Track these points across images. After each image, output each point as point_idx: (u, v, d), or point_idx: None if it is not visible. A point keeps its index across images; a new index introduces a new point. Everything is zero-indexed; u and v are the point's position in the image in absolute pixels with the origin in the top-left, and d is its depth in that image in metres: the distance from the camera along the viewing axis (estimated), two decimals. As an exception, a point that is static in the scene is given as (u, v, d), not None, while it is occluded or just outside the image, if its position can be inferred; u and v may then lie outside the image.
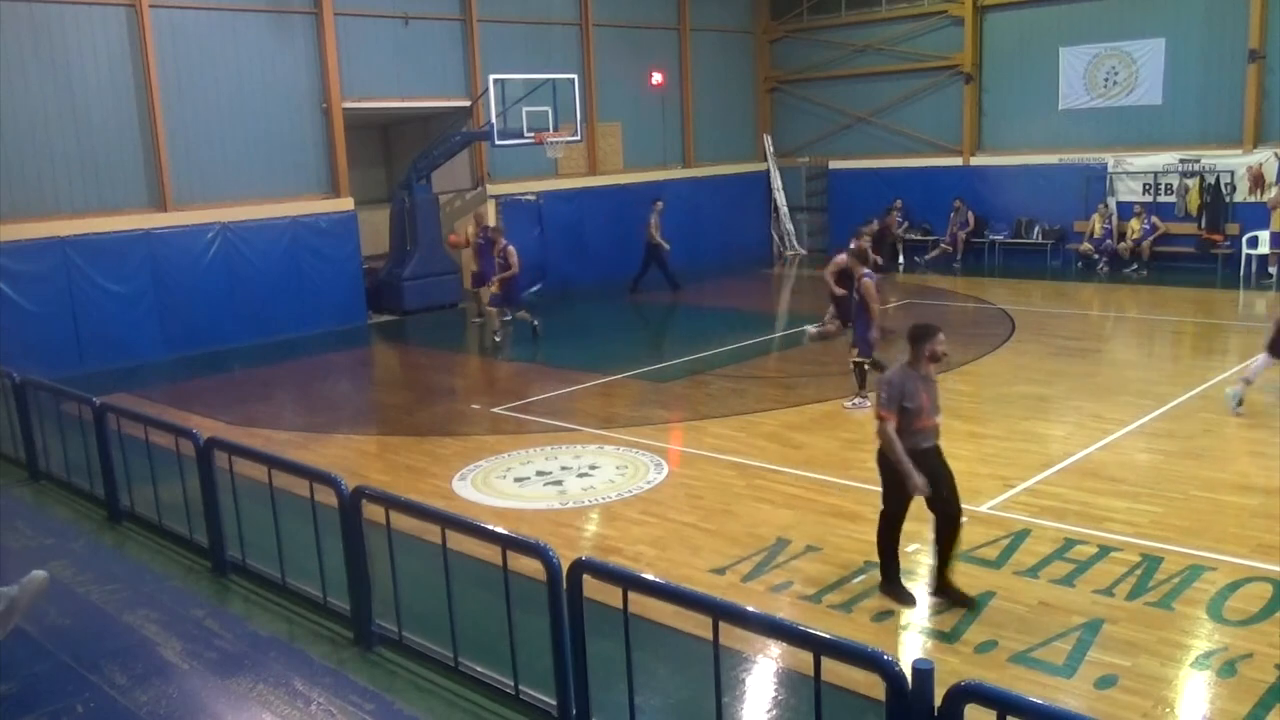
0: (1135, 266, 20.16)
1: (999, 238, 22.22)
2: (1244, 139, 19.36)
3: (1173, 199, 20.26)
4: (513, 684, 5.34)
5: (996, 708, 3.41)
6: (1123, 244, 20.37)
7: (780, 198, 25.77)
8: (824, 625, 5.82)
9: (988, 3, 22.30)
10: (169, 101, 16.14)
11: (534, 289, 20.89)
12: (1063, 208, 21.47)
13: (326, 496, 6.20)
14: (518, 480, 9.64)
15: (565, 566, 4.88)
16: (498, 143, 18.42)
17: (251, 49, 17.06)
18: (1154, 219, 20.21)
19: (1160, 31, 20.16)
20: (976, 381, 12.84)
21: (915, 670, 3.61)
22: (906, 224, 23.16)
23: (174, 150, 16.27)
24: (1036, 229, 21.90)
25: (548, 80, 18.76)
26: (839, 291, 12.48)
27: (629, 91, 22.76)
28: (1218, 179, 19.57)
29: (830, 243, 25.20)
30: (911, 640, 6.27)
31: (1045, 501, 8.41)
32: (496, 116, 18.19)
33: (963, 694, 3.52)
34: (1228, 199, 19.49)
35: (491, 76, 18.37)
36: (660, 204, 20.46)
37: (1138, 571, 6.96)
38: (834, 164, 25.02)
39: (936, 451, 6.72)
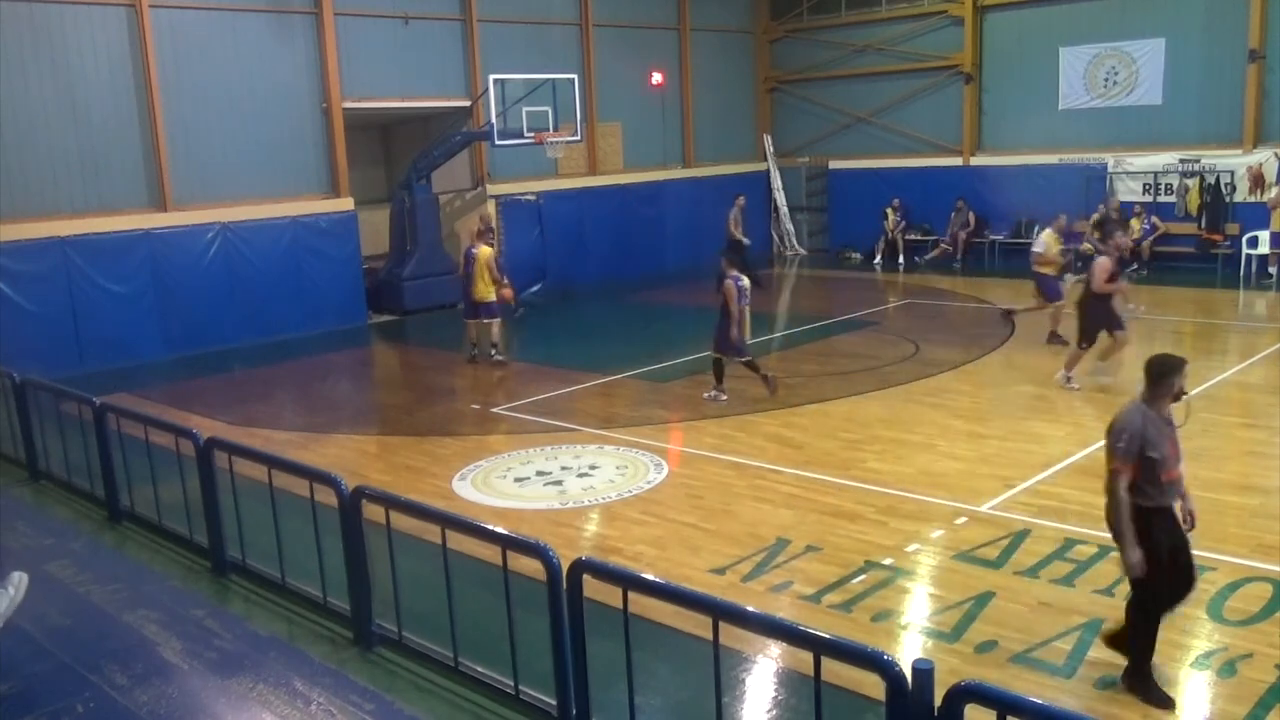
0: (1135, 266, 20.13)
1: (999, 238, 22.21)
2: (1244, 139, 19.35)
3: (1173, 199, 20.26)
4: (513, 684, 5.34)
5: (996, 708, 3.42)
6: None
7: (780, 198, 25.77)
8: (824, 625, 5.82)
9: (988, 2, 22.30)
10: (169, 101, 16.14)
11: (534, 289, 20.89)
12: (1063, 208, 21.28)
13: (326, 496, 6.20)
14: (518, 480, 9.64)
15: (565, 566, 4.88)
16: (498, 143, 18.42)
17: (252, 49, 17.06)
18: (1154, 219, 20.22)
19: (1160, 31, 20.16)
20: (977, 381, 12.84)
21: (915, 670, 3.61)
22: (905, 224, 23.18)
23: (174, 150, 16.27)
24: (1036, 229, 21.85)
25: (548, 80, 18.76)
26: (1111, 288, 11.95)
27: (629, 91, 22.75)
28: (1218, 179, 19.56)
29: (830, 243, 25.26)
30: (911, 640, 6.27)
31: (1045, 501, 8.41)
32: (496, 116, 18.19)
33: (962, 694, 3.52)
34: (1228, 199, 19.49)
35: (491, 76, 18.37)
36: (742, 199, 20.53)
37: (1138, 571, 6.94)
38: (834, 164, 25.01)
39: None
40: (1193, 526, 5.64)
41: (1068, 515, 8.05)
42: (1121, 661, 5.77)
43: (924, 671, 3.60)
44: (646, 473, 9.64)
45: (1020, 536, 7.66)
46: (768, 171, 25.81)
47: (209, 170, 16.68)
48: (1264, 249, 18.71)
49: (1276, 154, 18.86)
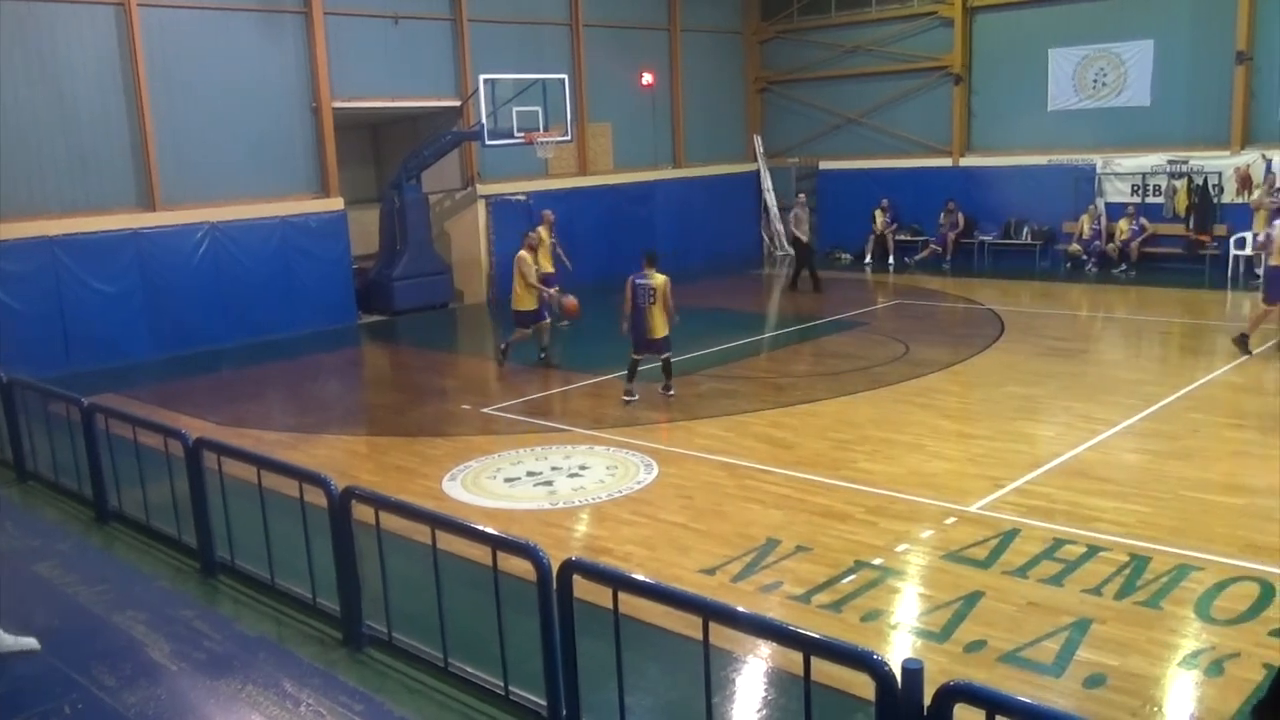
0: (1124, 267, 20.24)
1: (988, 238, 22.28)
2: (1231, 140, 19.44)
3: (1161, 200, 20.33)
4: (503, 685, 5.35)
5: (985, 707, 3.43)
6: (1111, 245, 20.45)
7: (771, 198, 25.79)
8: (814, 625, 5.82)
9: (977, 4, 22.37)
10: (158, 101, 16.09)
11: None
12: (1052, 208, 21.54)
13: (316, 497, 6.19)
14: (508, 481, 9.64)
15: (555, 567, 4.89)
16: (488, 143, 18.41)
17: (241, 48, 17.01)
18: (1142, 220, 20.29)
19: (1148, 33, 20.24)
20: (966, 382, 12.88)
21: (904, 670, 3.62)
22: (896, 224, 23.23)
23: (163, 150, 16.22)
24: (1026, 230, 21.96)
25: (538, 80, 18.76)
26: None
27: (619, 92, 22.76)
28: (1205, 180, 19.65)
29: (821, 243, 25.27)
30: (901, 640, 6.29)
31: (1034, 501, 8.44)
32: (487, 116, 18.17)
33: (952, 693, 3.53)
34: (1215, 200, 19.57)
35: (482, 76, 18.35)
36: (803, 196, 20.84)
37: (1126, 571, 6.98)
38: (824, 164, 25.05)
39: None
40: None
41: (1056, 515, 8.08)
42: (1111, 661, 5.80)
43: (913, 671, 3.61)
44: (637, 473, 9.64)
45: (1009, 536, 7.69)
46: (758, 172, 25.84)
47: (198, 170, 16.63)
48: (1249, 250, 18.79)
49: (1264, 155, 18.95)
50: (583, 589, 4.84)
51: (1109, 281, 19.75)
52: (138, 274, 15.89)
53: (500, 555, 5.27)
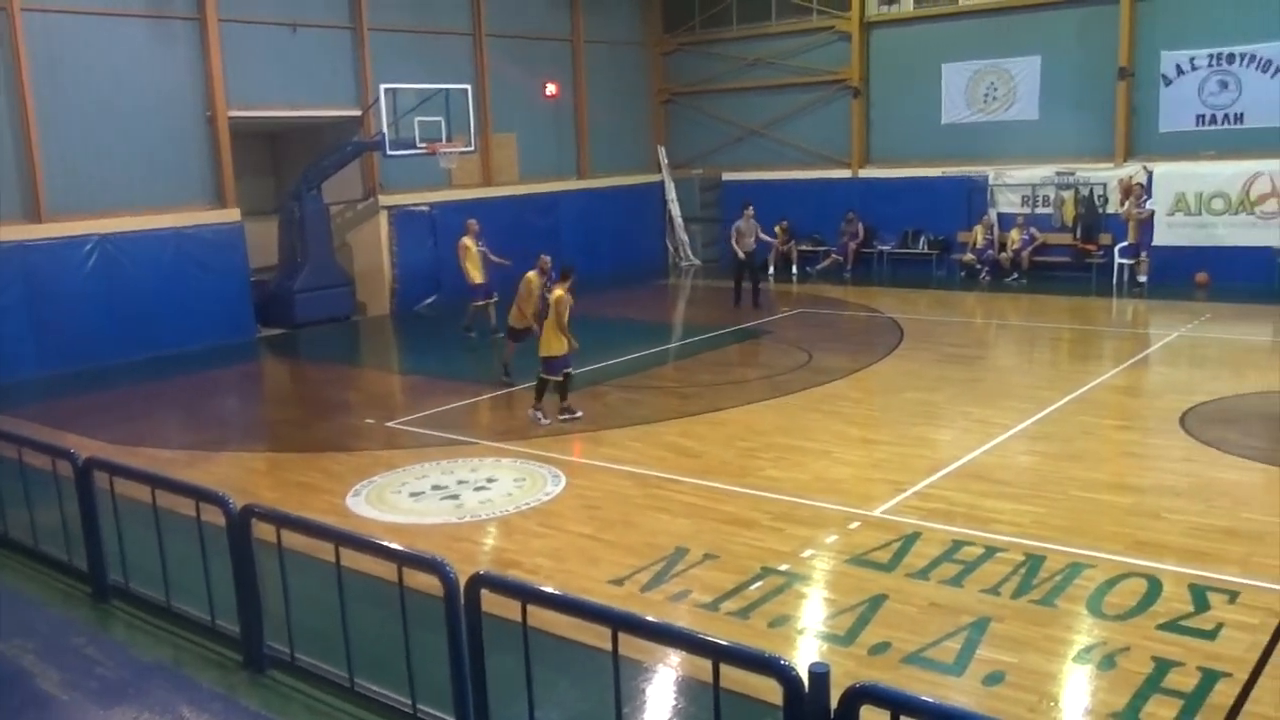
0: (1015, 276, 20.89)
1: (887, 248, 22.78)
2: (1115, 153, 20.23)
3: (1050, 210, 21.06)
4: (410, 703, 5.27)
5: (890, 707, 3.50)
6: (1003, 254, 21.08)
7: (675, 209, 25.97)
8: (722, 632, 5.87)
9: (873, 19, 22.89)
10: (42, 108, 15.50)
11: (428, 300, 20.67)
12: (947, 219, 22.12)
13: (214, 516, 6.04)
14: (413, 495, 9.51)
15: (463, 581, 4.84)
16: (390, 153, 18.19)
17: (131, 55, 16.51)
18: (1032, 230, 20.97)
19: (1036, 49, 20.96)
20: (867, 388, 13.14)
21: (811, 673, 3.68)
22: (793, 241, 23.44)
23: (48, 159, 15.62)
24: (923, 239, 22.52)
25: (440, 90, 18.60)
26: None
27: (523, 102, 22.70)
28: (1091, 191, 20.41)
29: (724, 254, 25.52)
30: (807, 644, 6.38)
31: (934, 504, 8.64)
32: (388, 126, 17.95)
33: (858, 695, 3.60)
34: (1101, 210, 20.33)
35: (383, 86, 18.13)
36: (751, 209, 19.88)
37: (1022, 570, 7.20)
38: (727, 175, 25.32)
39: None
40: None
41: (955, 517, 8.29)
42: (1009, 658, 5.96)
43: (820, 675, 3.67)
44: (544, 485, 9.60)
45: (911, 539, 7.86)
46: (662, 183, 26.01)
47: (86, 180, 16.06)
48: (1125, 258, 19.53)
49: (1145, 167, 19.76)
50: (491, 603, 4.80)
51: (1002, 289, 20.36)
52: (22, 288, 15.26)
53: (406, 571, 5.20)
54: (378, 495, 9.52)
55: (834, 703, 3.65)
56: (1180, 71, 19.46)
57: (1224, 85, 19.11)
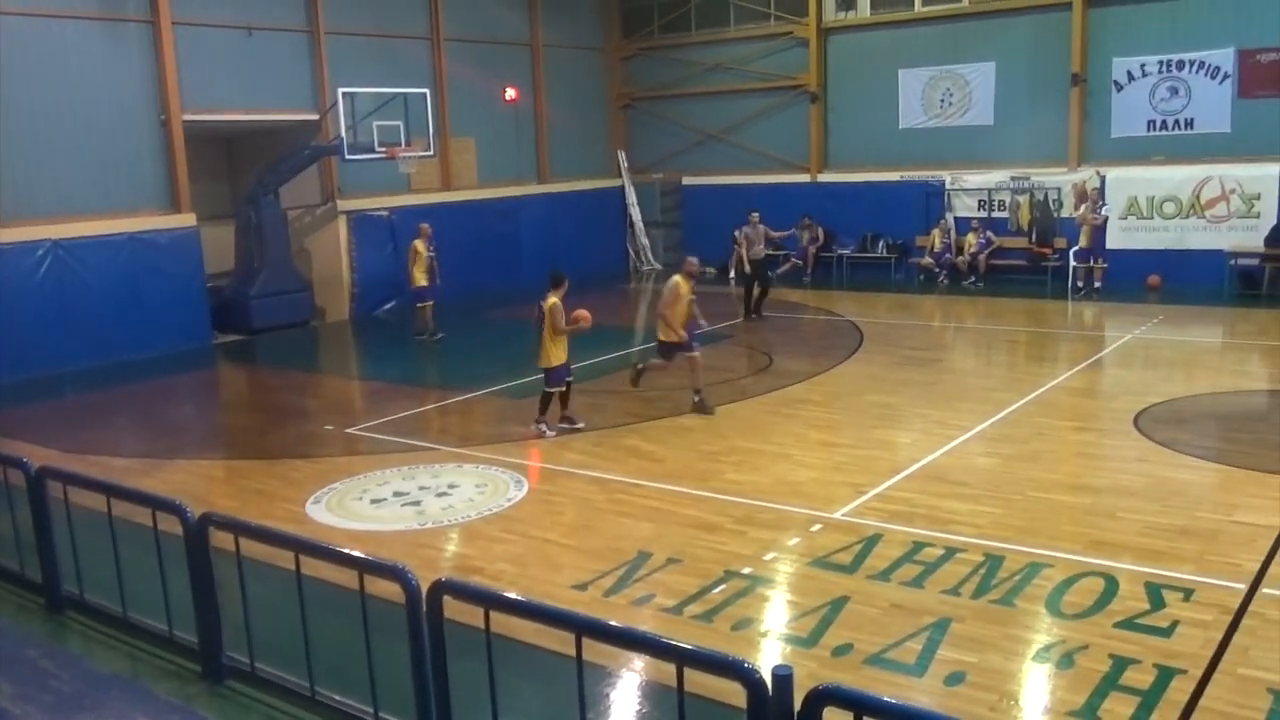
0: (973, 279, 21.12)
1: (846, 252, 22.94)
2: (1069, 158, 20.53)
3: (1006, 215, 21.33)
4: (372, 711, 5.22)
5: (853, 709, 3.52)
6: (961, 258, 21.31)
7: (635, 213, 26.00)
8: (686, 636, 5.88)
9: (831, 25, 23.08)
10: (-9, 112, 15.26)
11: (387, 306, 20.54)
12: (905, 223, 22.34)
13: (171, 525, 5.95)
14: (374, 502, 9.43)
15: (425, 588, 4.81)
16: (348, 157, 18.07)
17: (83, 58, 16.26)
18: (989, 233, 21.23)
19: (990, 56, 21.24)
20: (828, 391, 13.22)
21: (775, 676, 3.69)
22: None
23: (-2, 163, 15.38)
24: (881, 243, 22.72)
25: (399, 94, 18.51)
26: None
27: (483, 107, 22.64)
28: (1046, 196, 20.70)
29: (685, 258, 25.56)
30: (771, 647, 6.40)
31: (895, 506, 8.70)
32: (346, 130, 17.84)
33: (821, 697, 3.62)
34: (1055, 214, 20.63)
35: (340, 90, 18.02)
36: (756, 214, 18.82)
37: (981, 571, 7.27)
38: (687, 180, 25.41)
39: None
40: None
41: (915, 519, 8.36)
42: (969, 658, 6.02)
43: (783, 677, 3.69)
44: (506, 490, 9.57)
45: (872, 541, 7.91)
46: (623, 187, 26.03)
47: (37, 185, 15.79)
48: (1079, 262, 19.81)
49: (1099, 172, 20.06)
50: (454, 609, 4.78)
51: (960, 293, 20.57)
52: (-29, 295, 14.99)
53: (367, 578, 5.15)
54: (338, 502, 9.44)
55: (797, 705, 3.67)
56: (1131, 78, 19.80)
57: (1174, 91, 19.47)
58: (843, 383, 13.61)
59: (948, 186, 21.82)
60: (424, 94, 19.10)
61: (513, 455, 10.66)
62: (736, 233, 18.84)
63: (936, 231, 21.67)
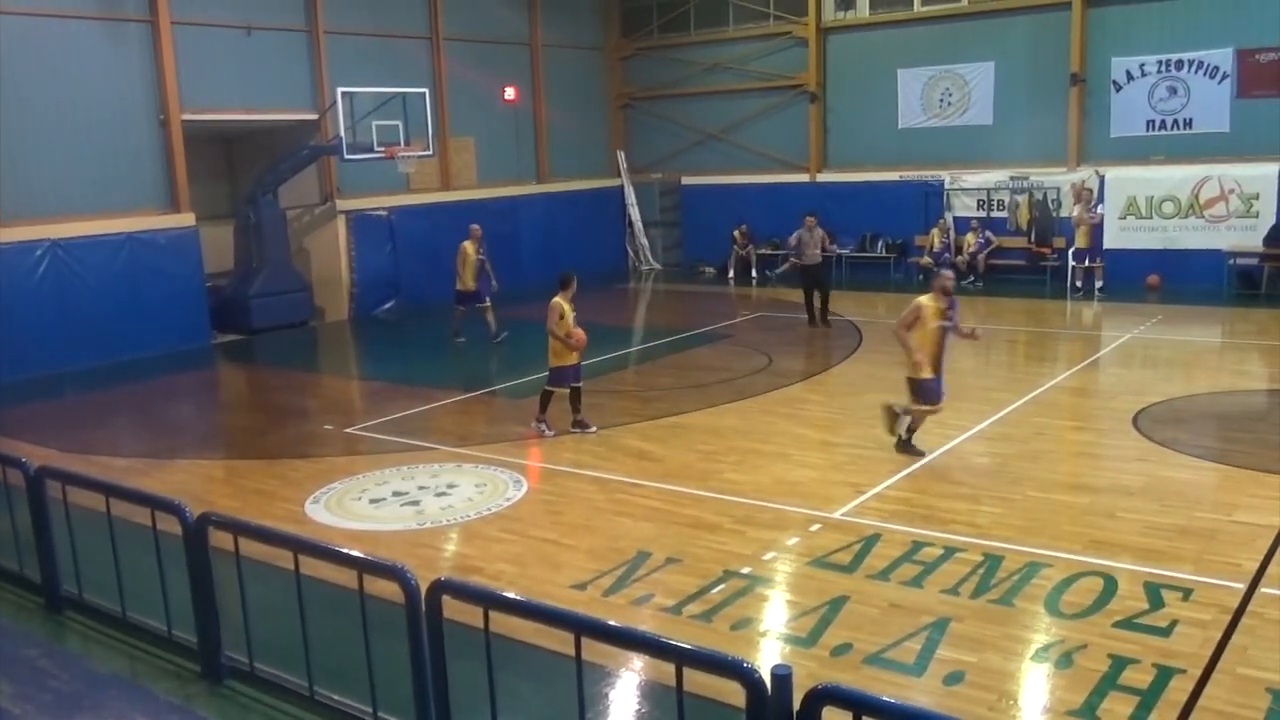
0: (972, 279, 21.11)
1: (845, 251, 22.93)
2: (1068, 158, 20.53)
3: (1005, 214, 21.33)
4: (371, 711, 5.22)
5: (852, 708, 3.53)
6: (960, 257, 21.30)
7: (635, 213, 26.00)
8: (685, 636, 5.89)
9: (829, 25, 23.08)
10: (-10, 111, 15.25)
11: (386, 306, 20.54)
12: (904, 222, 22.34)
13: (170, 525, 5.95)
14: (373, 501, 9.43)
15: (424, 588, 4.81)
16: (347, 157, 18.06)
17: (83, 57, 16.25)
18: (988, 233, 21.23)
19: (989, 55, 21.24)
20: (827, 391, 13.22)
21: (774, 676, 3.69)
22: (751, 245, 23.59)
23: (-3, 163, 15.37)
24: (880, 243, 22.72)
25: (398, 94, 18.51)
26: None
27: (482, 106, 22.63)
28: (1045, 195, 20.70)
29: (685, 258, 25.61)
30: (770, 647, 6.40)
31: (894, 506, 8.71)
32: (345, 130, 17.83)
33: (820, 696, 3.62)
34: (1055, 214, 20.63)
35: (340, 89, 18.01)
36: (812, 218, 17.50)
37: (980, 570, 7.27)
38: (686, 180, 25.41)
39: None
40: None
41: (914, 519, 8.36)
42: (968, 658, 6.02)
43: (782, 677, 3.69)
44: (506, 490, 9.57)
45: (871, 541, 7.91)
46: (622, 187, 26.02)
47: (36, 184, 15.78)
48: (1078, 262, 19.81)
49: (1098, 172, 20.07)
50: (453, 609, 4.78)
51: (958, 292, 20.15)
52: (-30, 294, 14.99)
53: (366, 578, 5.15)
54: (337, 502, 9.44)
55: (796, 704, 3.67)
56: (1130, 77, 19.80)
57: (1173, 91, 19.47)
58: (842, 382, 13.62)
59: (947, 186, 21.82)
60: (423, 94, 19.09)
61: (512, 455, 10.66)
62: (791, 237, 17.54)
63: (935, 231, 21.67)
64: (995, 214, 21.42)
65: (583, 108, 25.25)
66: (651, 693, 5.81)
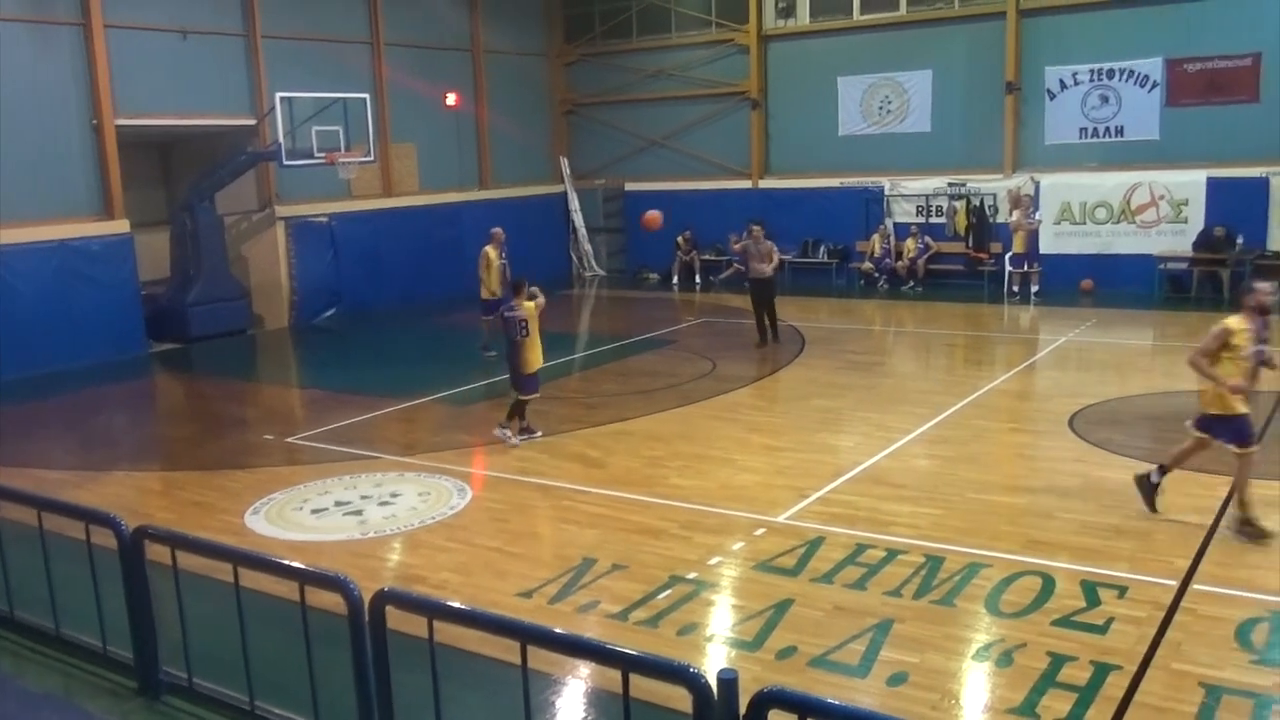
0: (912, 284, 21.40)
1: (787, 257, 23.03)
2: (1004, 164, 20.89)
3: (943, 220, 21.65)
4: (315, 724, 5.15)
5: (798, 711, 3.55)
6: (900, 262, 21.59)
7: (578, 219, 25.98)
8: (631, 642, 5.88)
9: (771, 32, 23.27)
10: (-86, 116, 14.84)
11: (328, 313, 20.31)
12: (845, 228, 22.56)
13: (105, 539, 5.82)
14: (315, 512, 9.31)
15: (367, 599, 4.76)
16: (286, 163, 17.83)
17: (10, 60, 15.87)
18: (927, 239, 21.53)
19: (927, 64, 21.55)
20: (771, 396, 13.31)
21: (720, 680, 3.71)
22: (695, 251, 23.70)
23: (-79, 169, 14.96)
24: (822, 249, 22.93)
25: (338, 99, 18.32)
26: None
27: (424, 112, 22.46)
28: (982, 201, 21.03)
29: (628, 264, 25.64)
30: (716, 651, 6.42)
31: (837, 509, 8.79)
32: (284, 136, 17.61)
33: (766, 700, 3.64)
34: (991, 220, 20.97)
35: (278, 94, 17.78)
36: (758, 227, 16.85)
37: (922, 572, 7.36)
38: (630, 186, 25.43)
39: None
40: None
41: (857, 522, 8.44)
42: (911, 658, 6.09)
43: (728, 681, 3.70)
44: (450, 498, 9.50)
45: (815, 544, 7.97)
46: (565, 193, 25.99)
47: (-37, 191, 15.40)
48: (1015, 267, 20.17)
49: (1033, 178, 20.45)
50: (397, 620, 4.73)
51: (899, 297, 20.83)
52: (-107, 304, 14.55)
53: (308, 590, 5.08)
54: (278, 513, 9.30)
55: (743, 708, 3.69)
56: (1064, 86, 20.21)
57: (1105, 99, 19.91)
58: (785, 387, 13.72)
59: (887, 192, 22.09)
60: (364, 99, 18.93)
61: (456, 463, 10.59)
62: (735, 243, 16.44)
63: (876, 237, 21.93)
64: (934, 220, 21.73)
65: (526, 114, 25.18)
66: (598, 700, 5.80)
